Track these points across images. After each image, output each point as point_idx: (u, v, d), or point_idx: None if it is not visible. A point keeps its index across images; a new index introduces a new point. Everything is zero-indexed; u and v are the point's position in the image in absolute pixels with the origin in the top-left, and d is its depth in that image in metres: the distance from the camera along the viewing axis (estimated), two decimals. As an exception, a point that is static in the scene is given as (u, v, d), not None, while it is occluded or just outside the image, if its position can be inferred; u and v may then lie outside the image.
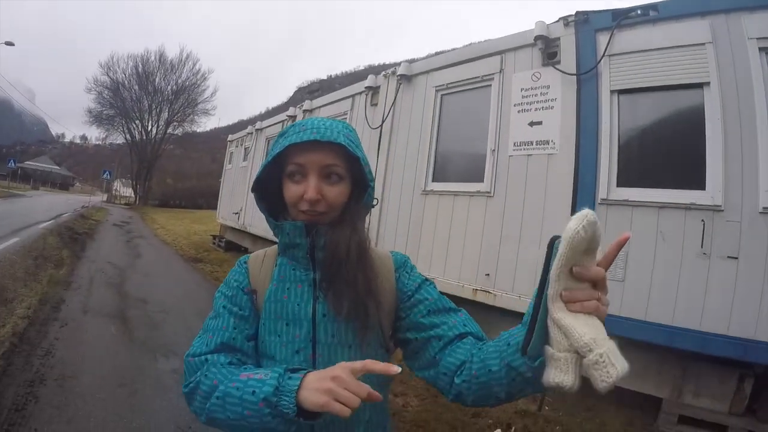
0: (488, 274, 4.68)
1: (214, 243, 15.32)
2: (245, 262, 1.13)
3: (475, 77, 5.09)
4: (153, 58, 48.22)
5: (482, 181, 4.93)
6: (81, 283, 7.65)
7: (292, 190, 0.99)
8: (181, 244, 15.42)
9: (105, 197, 51.73)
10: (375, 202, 1.07)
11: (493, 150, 4.82)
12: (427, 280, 1.10)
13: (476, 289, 4.73)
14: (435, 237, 5.37)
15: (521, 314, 3.30)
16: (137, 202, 49.09)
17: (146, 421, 3.40)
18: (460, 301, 4.85)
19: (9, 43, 28.16)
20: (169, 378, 4.21)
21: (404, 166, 5.91)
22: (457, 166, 5.54)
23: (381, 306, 0.99)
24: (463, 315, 1.04)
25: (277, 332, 1.00)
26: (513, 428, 3.60)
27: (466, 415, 3.77)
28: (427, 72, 5.82)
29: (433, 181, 5.58)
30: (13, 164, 46.75)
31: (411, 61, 6.24)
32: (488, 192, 4.82)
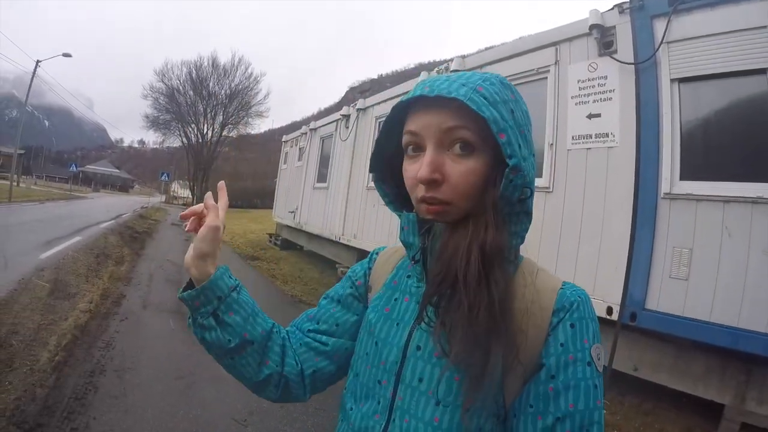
0: (547, 272, 4.77)
1: (270, 241, 16.15)
2: (377, 253, 1.03)
3: (530, 70, 5.21)
4: (206, 63, 51.98)
5: (541, 176, 5.00)
6: (141, 279, 8.33)
7: (407, 170, 0.79)
8: (238, 242, 16.21)
9: (163, 198, 55.43)
10: (525, 192, 0.76)
11: (551, 144, 4.90)
12: (591, 366, 0.72)
13: (535, 288, 4.82)
14: (376, 221, 5.51)
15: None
16: (195, 202, 51.56)
17: (202, 412, 3.65)
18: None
19: (67, 55, 30.27)
20: (226, 372, 4.52)
21: (362, 167, 6.04)
22: None
23: (512, 351, 0.71)
24: None
25: (365, 349, 0.87)
26: None
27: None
28: (481, 66, 5.96)
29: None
30: (74, 168, 50.97)
31: (463, 57, 6.39)
32: (547, 187, 4.91)
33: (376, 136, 7.00)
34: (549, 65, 4.98)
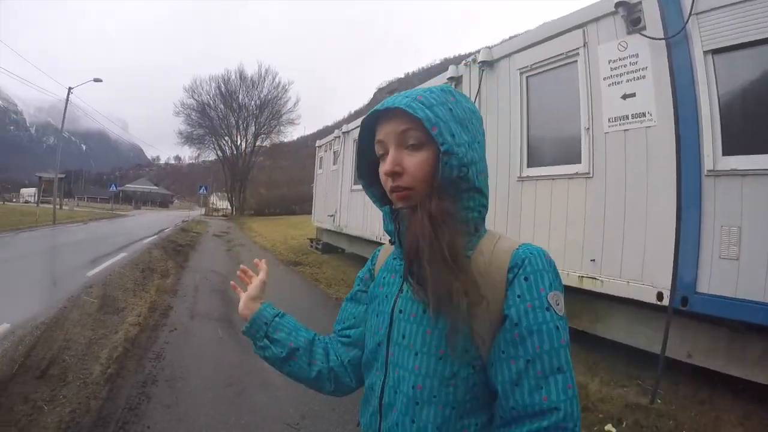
0: (593, 260, 4.79)
1: (311, 246, 16.59)
2: (378, 251, 1.29)
3: (559, 54, 5.24)
4: (234, 77, 55.22)
5: (579, 162, 5.05)
6: (187, 291, 8.75)
7: (380, 171, 1.00)
8: (279, 249, 16.67)
9: (203, 211, 57.38)
10: (462, 171, 0.94)
11: (587, 128, 4.92)
12: (549, 311, 0.87)
13: (582, 276, 4.87)
14: (535, 224, 5.55)
15: (630, 301, 3.47)
16: (234, 213, 53.93)
17: (254, 418, 3.80)
18: (566, 290, 5.01)
19: (97, 80, 32.15)
20: (276, 378, 4.50)
21: (497, 153, 6.12)
22: (551, 149, 5.66)
23: (472, 296, 0.88)
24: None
25: (370, 323, 1.11)
26: (624, 423, 3.72)
27: (576, 409, 3.93)
28: (509, 55, 6.02)
29: (528, 166, 5.75)
30: (114, 188, 54.01)
31: (490, 48, 6.45)
32: (587, 173, 4.93)
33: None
34: (578, 48, 5.00)
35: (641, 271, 4.29)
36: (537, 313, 0.86)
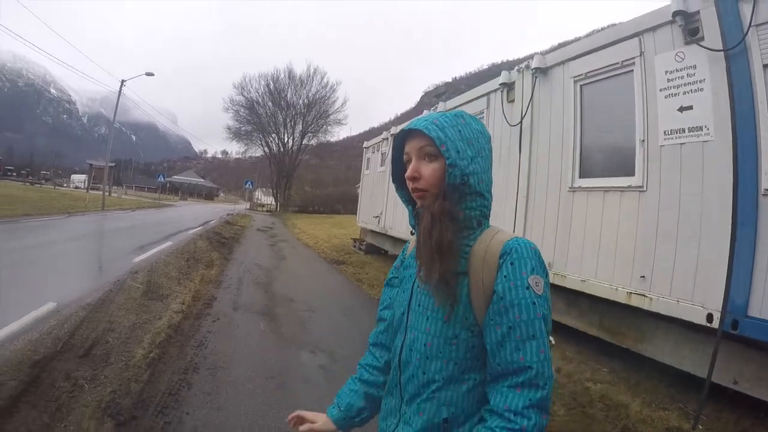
0: (644, 276, 4.74)
1: (354, 246, 16.84)
2: (408, 242, 1.60)
3: (614, 63, 5.23)
4: (282, 75, 56.78)
5: (633, 174, 5.01)
6: (230, 282, 9.03)
7: (405, 176, 1.31)
8: (322, 247, 16.96)
9: (248, 205, 58.72)
10: (464, 179, 1.20)
11: (643, 140, 4.89)
12: (528, 290, 1.12)
13: (631, 293, 4.83)
14: (585, 236, 5.53)
15: (677, 321, 3.46)
16: (278, 209, 54.78)
17: (294, 410, 3.93)
18: (613, 306, 5.05)
19: (149, 74, 34.14)
20: (317, 373, 4.77)
21: (548, 163, 6.14)
22: (604, 160, 5.63)
23: (451, 276, 1.19)
24: (524, 377, 1.09)
25: (398, 296, 1.44)
26: (665, 444, 3.66)
27: (615, 428, 3.93)
28: (563, 63, 6.03)
29: (579, 177, 5.73)
30: (162, 179, 56.86)
31: (543, 54, 6.45)
32: (640, 186, 4.90)
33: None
34: (634, 57, 4.98)
35: (692, 291, 4.24)
36: (518, 291, 1.12)
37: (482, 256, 1.20)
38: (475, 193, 1.25)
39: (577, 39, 5.95)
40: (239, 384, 4.29)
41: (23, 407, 3.42)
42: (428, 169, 1.24)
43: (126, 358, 4.52)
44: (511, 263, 1.15)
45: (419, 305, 1.29)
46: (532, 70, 6.42)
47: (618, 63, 5.15)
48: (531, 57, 6.47)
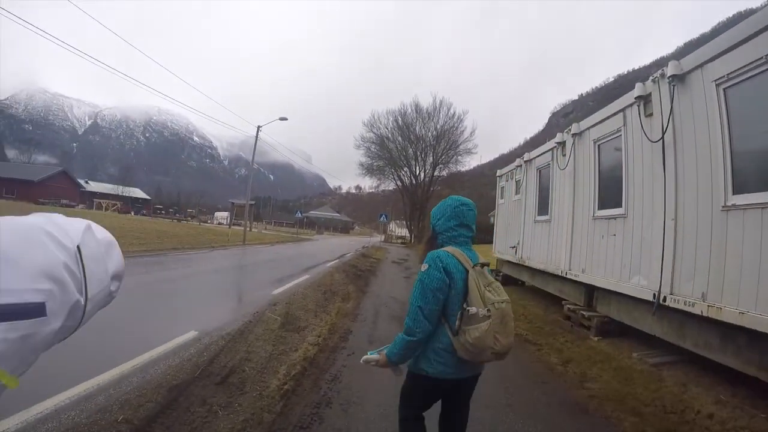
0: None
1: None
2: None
3: (759, 59, 4.82)
4: (410, 110, 58.91)
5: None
6: (366, 315, 9.31)
7: None
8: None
9: (382, 238, 60.62)
10: (436, 230, 2.89)
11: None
12: (420, 272, 2.65)
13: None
14: (742, 261, 5.04)
15: None
16: (412, 240, 55.99)
17: None
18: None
19: (283, 119, 37.15)
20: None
21: (696, 180, 5.77)
22: (763, 172, 5.09)
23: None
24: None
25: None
26: None
27: None
28: (701, 66, 5.69)
29: (733, 194, 5.28)
30: (299, 214, 63.32)
31: (679, 61, 6.12)
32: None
33: (597, 160, 6.77)
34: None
35: None
36: (420, 271, 2.62)
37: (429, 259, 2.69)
38: (439, 233, 2.85)
39: (702, 36, 5.43)
40: (371, 422, 4.25)
41: (157, 429, 3.76)
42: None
43: (261, 388, 4.76)
44: (423, 263, 2.67)
45: None
46: (668, 78, 6.14)
47: (762, 57, 4.75)
48: (660, 62, 6.14)
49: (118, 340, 6.11)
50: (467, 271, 2.54)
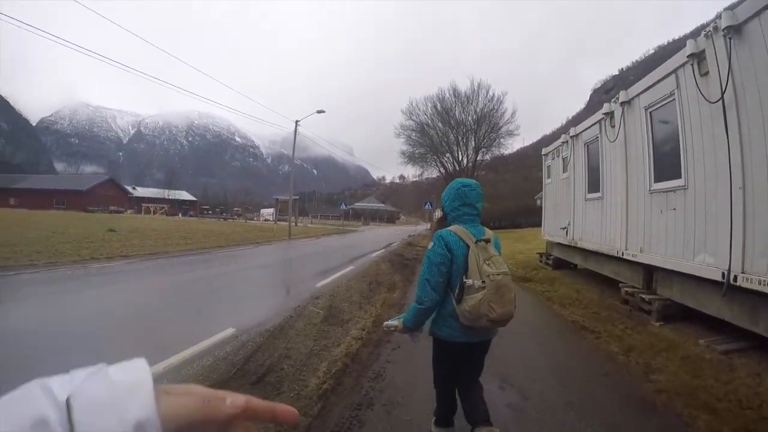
0: None
1: (541, 261, 16.25)
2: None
3: None
4: (448, 95, 57.62)
5: None
6: (413, 306, 8.96)
7: None
8: (507, 263, 16.48)
9: (428, 226, 60.32)
10: (445, 208, 3.34)
11: None
12: (428, 248, 3.10)
13: None
14: None
15: None
16: None
17: None
18: None
19: (320, 111, 37.36)
20: (505, 413, 4.14)
21: (765, 142, 5.20)
22: None
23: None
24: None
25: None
26: None
27: None
28: (758, 13, 5.11)
29: None
30: (344, 206, 64.27)
31: (732, 7, 5.52)
32: None
33: (649, 129, 6.26)
34: None
35: None
36: (428, 248, 3.12)
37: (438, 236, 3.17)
38: (448, 213, 3.27)
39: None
40: (417, 425, 3.91)
41: (187, 432, 3.66)
42: None
43: (299, 387, 4.57)
44: (430, 240, 3.11)
45: None
46: (722, 30, 5.58)
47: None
48: (703, 28, 5.47)
49: (150, 341, 6.13)
50: (468, 247, 2.98)
